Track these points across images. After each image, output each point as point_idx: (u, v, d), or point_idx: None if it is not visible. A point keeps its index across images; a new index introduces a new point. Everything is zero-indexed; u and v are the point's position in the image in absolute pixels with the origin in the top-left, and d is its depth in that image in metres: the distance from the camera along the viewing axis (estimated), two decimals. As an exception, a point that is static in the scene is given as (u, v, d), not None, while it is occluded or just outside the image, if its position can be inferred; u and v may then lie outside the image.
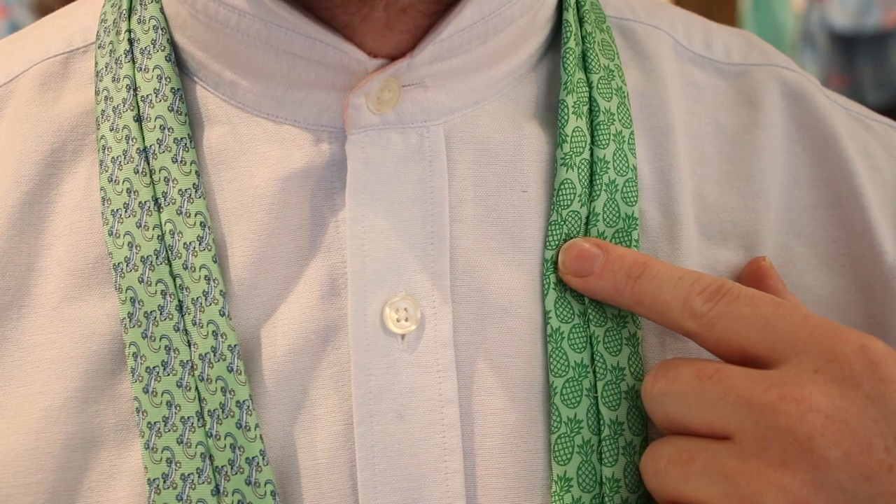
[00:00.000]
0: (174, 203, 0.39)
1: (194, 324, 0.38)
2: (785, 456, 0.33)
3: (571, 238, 0.40)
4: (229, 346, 0.37)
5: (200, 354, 0.37)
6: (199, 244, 0.38)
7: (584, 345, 0.39)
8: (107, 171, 0.40)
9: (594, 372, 0.39)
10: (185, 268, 0.38)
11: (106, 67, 0.41)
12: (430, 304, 0.39)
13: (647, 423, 0.39)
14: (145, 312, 0.38)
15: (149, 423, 0.37)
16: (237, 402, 0.37)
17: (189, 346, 0.38)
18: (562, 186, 0.40)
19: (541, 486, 0.38)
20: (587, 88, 0.42)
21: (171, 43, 0.41)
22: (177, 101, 0.40)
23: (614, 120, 0.42)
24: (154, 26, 0.41)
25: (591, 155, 0.41)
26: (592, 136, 0.41)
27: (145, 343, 0.38)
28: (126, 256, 0.38)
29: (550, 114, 0.42)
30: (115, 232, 0.39)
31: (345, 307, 0.39)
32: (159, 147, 0.40)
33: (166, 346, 0.38)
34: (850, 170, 0.44)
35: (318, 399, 0.38)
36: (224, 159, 0.40)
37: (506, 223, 0.40)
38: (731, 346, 0.36)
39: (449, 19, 0.38)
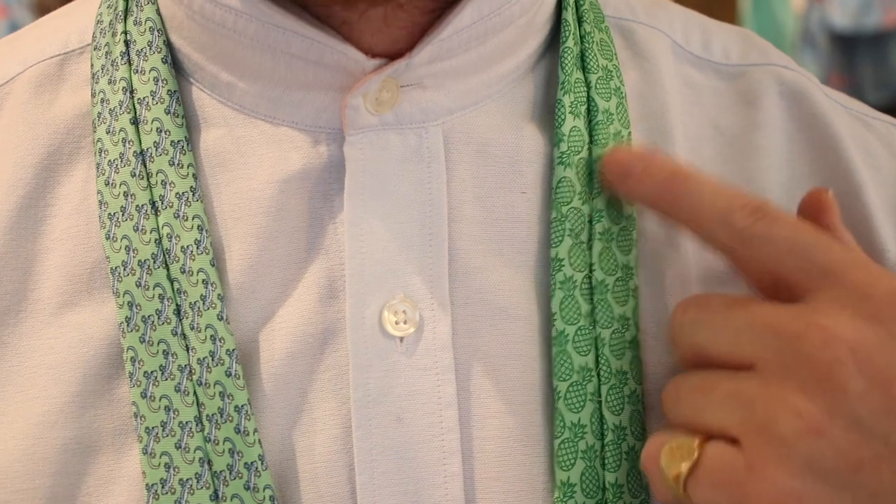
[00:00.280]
0: (171, 206, 0.39)
1: (192, 328, 0.38)
2: (805, 383, 0.33)
3: (576, 233, 0.39)
4: (227, 350, 0.37)
5: (199, 359, 0.37)
6: (197, 248, 0.38)
7: (588, 347, 0.39)
8: (103, 174, 0.40)
9: (598, 375, 0.39)
10: (183, 272, 0.38)
11: (102, 69, 0.41)
12: (429, 307, 0.38)
13: (648, 428, 0.39)
14: (143, 317, 0.38)
15: (147, 427, 0.37)
16: (235, 406, 0.37)
17: (187, 350, 0.38)
18: (559, 184, 0.40)
19: (541, 490, 0.38)
20: (585, 88, 0.42)
21: (168, 44, 0.41)
22: (173, 104, 0.40)
23: (613, 120, 0.41)
24: (150, 28, 0.41)
25: (590, 154, 0.41)
26: (591, 136, 0.41)
27: (143, 347, 0.38)
28: (123, 260, 0.38)
29: (550, 114, 0.42)
30: (112, 236, 0.39)
31: (343, 310, 0.38)
32: (156, 150, 0.39)
33: (164, 351, 0.37)
34: (850, 169, 0.44)
35: (316, 403, 0.38)
36: (221, 162, 0.40)
37: (504, 225, 0.40)
38: (763, 267, 0.36)
39: (449, 19, 0.38)
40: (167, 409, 0.37)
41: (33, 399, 0.38)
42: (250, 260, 0.39)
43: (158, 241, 0.38)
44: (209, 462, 0.37)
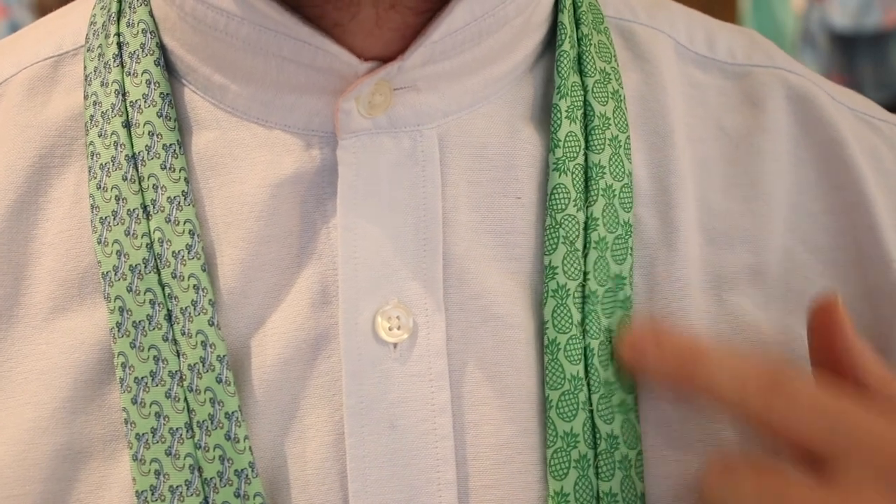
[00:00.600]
0: (163, 211, 0.38)
1: (183, 334, 0.37)
2: None
3: (570, 241, 0.39)
4: (218, 356, 0.37)
5: (189, 365, 0.37)
6: (188, 253, 0.38)
7: (579, 357, 0.38)
8: (95, 177, 0.39)
9: (588, 385, 0.38)
10: (174, 277, 0.38)
11: (95, 71, 0.41)
12: (423, 313, 0.38)
13: (642, 437, 0.39)
14: (134, 322, 0.37)
15: (137, 434, 0.37)
16: (226, 413, 0.37)
17: (178, 356, 0.37)
18: (554, 191, 0.40)
19: (535, 499, 0.37)
20: (582, 92, 0.41)
21: (161, 46, 0.41)
22: (166, 107, 0.40)
23: (610, 124, 0.41)
24: (143, 30, 0.41)
25: (586, 160, 0.40)
26: (587, 141, 0.41)
27: (134, 353, 0.37)
28: (114, 265, 0.38)
29: (547, 117, 0.41)
30: (103, 240, 0.38)
31: (336, 315, 0.38)
32: (148, 153, 0.39)
33: (155, 357, 0.37)
34: (857, 176, 0.43)
35: (308, 409, 0.38)
36: (213, 165, 0.40)
37: (499, 230, 0.40)
38: (787, 438, 0.35)
39: (440, 20, 0.37)
40: (157, 415, 0.37)
41: (24, 405, 0.38)
42: (242, 265, 0.38)
43: (150, 246, 0.38)
44: (199, 469, 0.36)
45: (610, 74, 0.42)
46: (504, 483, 0.37)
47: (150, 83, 0.40)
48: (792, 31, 2.68)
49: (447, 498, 0.37)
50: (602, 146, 0.40)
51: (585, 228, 0.40)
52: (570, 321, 0.38)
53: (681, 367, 0.37)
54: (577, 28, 0.43)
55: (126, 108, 0.40)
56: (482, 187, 0.40)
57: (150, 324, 0.37)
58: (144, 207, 0.39)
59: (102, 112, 0.40)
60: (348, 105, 0.38)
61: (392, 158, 0.39)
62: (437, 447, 0.37)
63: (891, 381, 0.36)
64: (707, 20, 0.47)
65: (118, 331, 0.37)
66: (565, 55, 0.41)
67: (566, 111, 0.40)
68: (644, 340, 0.38)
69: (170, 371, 0.37)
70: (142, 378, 0.37)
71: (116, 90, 0.40)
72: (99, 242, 0.38)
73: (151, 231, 0.38)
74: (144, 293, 0.38)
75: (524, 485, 0.38)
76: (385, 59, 0.38)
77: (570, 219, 0.39)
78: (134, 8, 0.41)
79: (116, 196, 0.39)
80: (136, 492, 0.36)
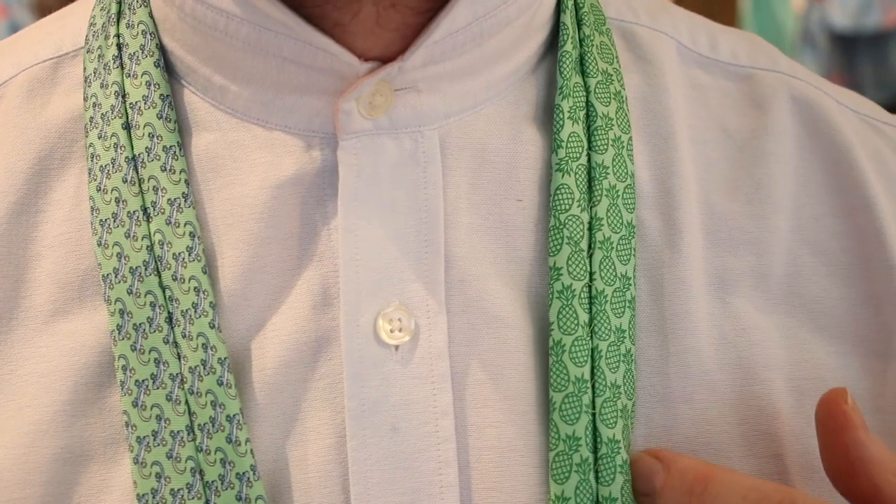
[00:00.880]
0: (163, 213, 0.38)
1: (184, 336, 0.37)
2: None
3: (574, 241, 0.39)
4: (219, 359, 0.37)
5: (190, 367, 0.37)
6: (189, 255, 0.38)
7: (585, 359, 0.38)
8: (95, 179, 0.39)
9: (593, 388, 0.38)
10: (175, 279, 0.38)
11: (94, 73, 0.41)
12: (425, 315, 0.38)
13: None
14: (134, 324, 0.37)
15: (138, 437, 0.36)
16: (227, 416, 0.36)
17: (179, 358, 0.37)
18: (557, 191, 0.39)
19: (536, 503, 0.37)
20: (584, 93, 0.41)
21: (160, 47, 0.41)
22: (166, 108, 0.39)
23: (612, 125, 0.41)
24: (143, 31, 0.41)
25: (589, 160, 0.40)
26: (590, 142, 0.40)
27: (134, 356, 0.37)
28: (115, 267, 0.38)
29: (550, 118, 0.41)
30: (103, 242, 0.38)
31: (337, 318, 0.38)
32: (148, 155, 0.39)
33: (156, 359, 0.37)
34: (861, 179, 0.43)
35: (310, 412, 0.37)
36: (214, 167, 0.39)
37: (500, 232, 0.39)
38: None
39: (440, 20, 0.37)
40: (158, 418, 0.37)
41: (25, 408, 0.38)
42: (242, 267, 0.38)
43: (150, 248, 0.38)
44: (201, 472, 0.36)
45: (612, 75, 0.42)
46: (506, 486, 0.37)
47: (149, 84, 0.40)
48: (792, 31, 2.68)
49: (449, 501, 0.37)
50: (605, 146, 0.40)
51: (590, 229, 0.39)
52: (575, 322, 0.38)
53: (690, 492, 0.36)
54: (579, 29, 0.42)
55: (126, 110, 0.40)
56: (483, 189, 0.40)
57: (150, 326, 0.37)
58: (145, 209, 0.39)
59: (102, 114, 0.40)
60: (349, 106, 0.38)
61: (393, 159, 0.39)
62: (439, 450, 0.37)
63: None
64: (709, 24, 0.47)
65: (119, 333, 0.37)
66: (567, 56, 0.41)
67: (569, 112, 0.40)
68: (651, 466, 0.37)
69: (171, 374, 0.37)
70: (142, 381, 0.37)
71: (116, 92, 0.40)
72: (99, 245, 0.38)
73: (152, 233, 0.38)
74: (145, 295, 0.38)
75: (526, 488, 0.37)
76: (386, 60, 0.38)
77: (573, 219, 0.39)
78: (133, 9, 0.41)
79: (116, 198, 0.39)
80: (137, 495, 0.36)
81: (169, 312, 0.38)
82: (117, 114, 0.40)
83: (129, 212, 0.38)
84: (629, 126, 0.41)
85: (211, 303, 0.37)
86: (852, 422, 0.36)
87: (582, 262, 0.39)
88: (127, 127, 0.39)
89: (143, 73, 0.40)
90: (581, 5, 0.43)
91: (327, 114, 0.39)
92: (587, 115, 0.41)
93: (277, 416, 0.37)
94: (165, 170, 0.39)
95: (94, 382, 0.38)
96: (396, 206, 0.38)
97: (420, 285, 0.38)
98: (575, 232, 0.39)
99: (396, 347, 0.38)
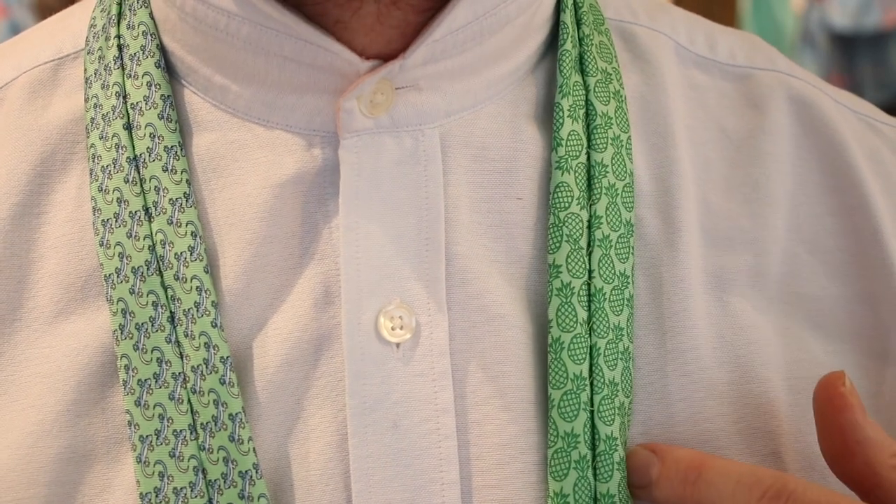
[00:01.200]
0: (165, 213, 0.38)
1: (186, 335, 0.37)
2: None
3: (574, 239, 0.39)
4: (221, 357, 0.37)
5: (192, 366, 0.37)
6: (191, 254, 0.38)
7: (583, 356, 0.38)
8: (97, 180, 0.39)
9: (591, 385, 0.38)
10: (177, 278, 0.38)
11: (95, 74, 0.41)
12: (426, 312, 0.38)
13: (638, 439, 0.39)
14: (137, 324, 0.37)
15: (141, 436, 0.37)
16: (230, 414, 0.37)
17: (181, 357, 0.37)
18: (557, 189, 0.39)
19: (535, 499, 0.37)
20: (584, 92, 0.41)
21: (161, 48, 0.41)
22: (167, 109, 0.40)
23: (612, 124, 0.41)
24: (143, 32, 0.41)
25: (588, 159, 0.40)
26: (589, 140, 0.41)
27: (137, 355, 0.37)
28: (117, 267, 0.38)
29: (550, 117, 0.41)
30: (105, 243, 0.38)
31: (338, 316, 0.38)
32: (149, 156, 0.39)
33: (158, 359, 0.37)
34: (858, 179, 0.43)
35: (311, 410, 0.37)
36: (215, 167, 0.40)
37: (500, 231, 0.40)
38: None
39: (441, 19, 0.37)
40: (161, 417, 0.37)
41: (28, 408, 0.38)
42: (244, 266, 0.38)
43: (152, 248, 0.38)
44: (203, 471, 0.36)
45: (611, 74, 0.42)
46: (506, 483, 0.37)
47: (150, 85, 0.40)
48: (792, 31, 2.68)
49: (450, 498, 0.37)
50: (604, 145, 0.40)
51: (589, 227, 0.39)
52: (574, 319, 0.38)
53: (684, 481, 0.36)
54: (579, 28, 0.43)
55: (127, 111, 0.40)
56: (483, 188, 0.40)
57: (153, 326, 0.37)
58: (146, 209, 0.39)
59: (103, 114, 0.40)
60: (350, 104, 0.38)
61: (394, 158, 0.39)
62: (440, 447, 0.37)
63: None
64: (708, 24, 0.47)
65: (121, 333, 0.37)
66: (567, 54, 0.41)
67: (568, 110, 0.40)
68: (645, 458, 0.37)
69: (173, 373, 0.37)
70: (145, 380, 0.37)
71: (117, 92, 0.40)
72: (101, 245, 0.38)
73: (154, 233, 0.38)
74: (147, 295, 0.38)
75: (525, 485, 0.37)
76: (386, 59, 0.38)
77: (573, 217, 0.39)
78: (134, 10, 0.41)
79: (118, 198, 0.39)
80: (141, 494, 0.36)
81: (171, 312, 0.38)
82: (118, 114, 0.40)
83: (130, 212, 0.39)
84: (628, 125, 0.42)
85: (213, 302, 0.38)
86: (850, 404, 0.36)
87: (581, 259, 0.39)
88: (128, 127, 0.40)
89: (144, 74, 0.40)
90: (580, 5, 0.43)
91: (328, 112, 0.39)
92: (587, 114, 0.41)
93: (279, 414, 0.37)
94: (167, 170, 0.39)
95: (96, 382, 0.38)
96: (397, 204, 0.39)
97: (421, 283, 0.38)
98: (574, 230, 0.39)
99: (398, 345, 0.38)
